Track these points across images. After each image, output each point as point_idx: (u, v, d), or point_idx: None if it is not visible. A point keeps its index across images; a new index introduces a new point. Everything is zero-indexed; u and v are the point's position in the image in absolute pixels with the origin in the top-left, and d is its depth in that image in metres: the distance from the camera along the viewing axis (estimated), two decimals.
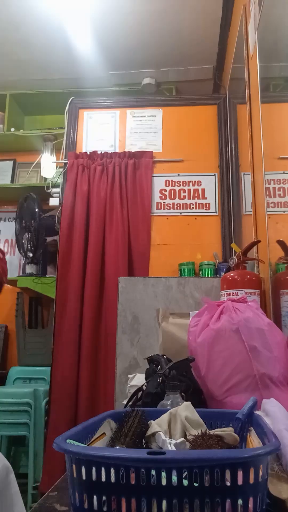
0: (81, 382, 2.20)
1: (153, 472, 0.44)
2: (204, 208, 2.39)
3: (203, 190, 2.41)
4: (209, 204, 2.39)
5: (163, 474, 0.44)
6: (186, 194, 2.41)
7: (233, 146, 2.32)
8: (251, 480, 0.44)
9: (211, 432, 0.59)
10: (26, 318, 2.87)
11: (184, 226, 2.36)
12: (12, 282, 2.74)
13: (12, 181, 3.17)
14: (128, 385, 1.47)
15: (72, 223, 2.38)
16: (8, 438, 2.39)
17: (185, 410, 0.67)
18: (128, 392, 1.43)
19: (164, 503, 0.44)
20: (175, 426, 0.66)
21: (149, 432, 0.64)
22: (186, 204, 2.40)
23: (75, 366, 2.22)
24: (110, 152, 2.49)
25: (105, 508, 0.45)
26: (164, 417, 0.68)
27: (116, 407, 1.55)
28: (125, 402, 1.09)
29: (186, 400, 0.72)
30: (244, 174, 1.99)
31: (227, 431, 0.59)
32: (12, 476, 0.52)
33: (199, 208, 2.38)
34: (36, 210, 2.75)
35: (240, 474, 0.44)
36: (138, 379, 1.40)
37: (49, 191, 2.58)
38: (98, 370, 2.23)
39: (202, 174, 2.43)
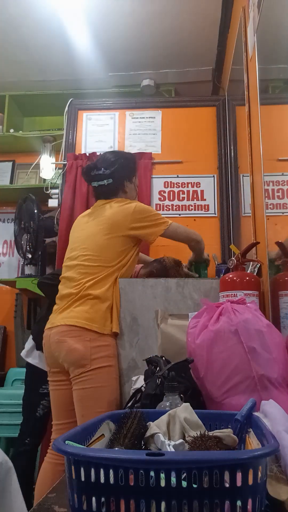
0: None
1: (152, 473, 0.44)
2: (203, 210, 2.39)
3: (202, 191, 2.41)
4: (208, 205, 2.39)
5: (162, 475, 0.44)
6: (185, 195, 2.41)
7: (232, 147, 2.33)
8: (250, 482, 0.44)
9: (210, 433, 0.59)
10: (25, 319, 2.86)
11: None
12: (11, 283, 2.73)
13: (11, 182, 3.17)
14: (132, 388, 1.46)
15: (70, 225, 2.37)
16: (6, 440, 2.38)
17: (184, 411, 0.67)
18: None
19: (163, 504, 0.44)
20: (174, 428, 0.66)
21: (148, 434, 0.64)
22: (185, 205, 2.40)
23: None
24: None
25: (103, 510, 0.45)
26: (163, 418, 0.68)
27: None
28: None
29: (185, 402, 0.72)
30: (243, 176, 1.99)
31: (226, 433, 0.59)
32: (13, 471, 0.53)
33: (198, 210, 2.38)
34: (35, 211, 2.74)
35: (239, 476, 0.44)
36: (142, 381, 1.40)
37: (48, 192, 2.58)
38: None
39: (201, 175, 2.43)
